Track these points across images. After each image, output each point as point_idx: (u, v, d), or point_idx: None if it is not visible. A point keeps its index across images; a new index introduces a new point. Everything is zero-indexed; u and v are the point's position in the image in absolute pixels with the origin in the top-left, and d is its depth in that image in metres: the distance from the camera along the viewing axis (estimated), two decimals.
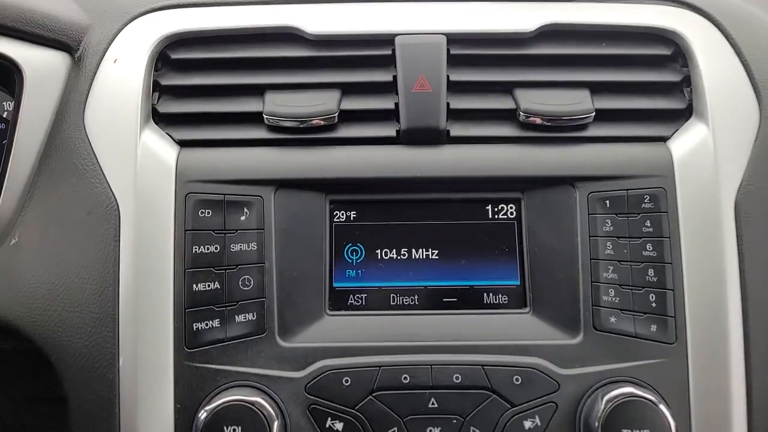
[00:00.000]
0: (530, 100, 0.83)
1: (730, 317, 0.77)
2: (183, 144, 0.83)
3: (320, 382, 0.75)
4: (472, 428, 0.74)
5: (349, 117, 0.83)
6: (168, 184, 0.79)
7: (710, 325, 0.77)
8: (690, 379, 0.76)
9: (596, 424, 0.72)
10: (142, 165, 0.80)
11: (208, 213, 0.78)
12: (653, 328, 0.77)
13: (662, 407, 0.72)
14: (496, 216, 0.83)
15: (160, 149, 0.81)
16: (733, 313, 0.77)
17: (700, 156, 0.81)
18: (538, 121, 0.82)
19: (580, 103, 0.83)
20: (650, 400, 0.72)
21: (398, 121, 0.82)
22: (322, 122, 0.82)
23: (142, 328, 0.75)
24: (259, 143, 0.82)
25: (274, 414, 0.73)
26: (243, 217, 0.79)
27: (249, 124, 0.83)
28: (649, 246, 0.78)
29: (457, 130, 0.83)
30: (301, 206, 0.81)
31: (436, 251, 0.82)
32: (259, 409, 0.72)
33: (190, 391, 0.75)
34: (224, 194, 0.79)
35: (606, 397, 0.73)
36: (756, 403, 0.75)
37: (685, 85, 0.85)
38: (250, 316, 0.77)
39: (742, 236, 0.78)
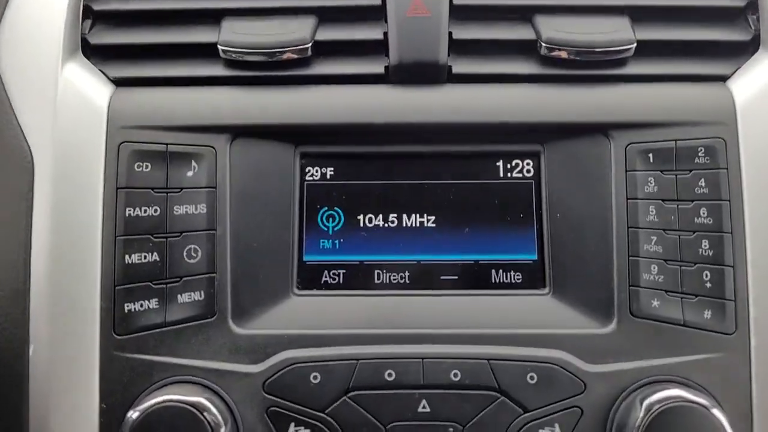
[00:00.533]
0: (554, 29, 0.72)
1: None
2: (119, 83, 0.73)
3: (282, 379, 0.66)
4: None
5: (326, 49, 0.73)
6: (97, 130, 0.69)
7: None
8: (753, 378, 0.66)
9: None
10: (63, 107, 0.70)
11: (147, 167, 0.69)
12: (707, 314, 0.67)
13: (717, 413, 0.63)
14: (510, 174, 0.73)
15: (89, 88, 0.71)
16: None
17: None
18: (564, 55, 0.71)
19: (617, 32, 0.72)
20: (703, 405, 0.63)
21: (387, 54, 0.72)
22: (294, 56, 0.71)
23: (60, 309, 0.66)
24: (214, 82, 0.72)
25: (221, 419, 0.63)
26: (190, 173, 0.69)
27: (201, 58, 0.73)
28: (703, 211, 0.68)
29: (460, 66, 0.72)
30: (264, 160, 0.71)
31: (433, 218, 0.72)
32: (202, 412, 0.62)
33: (119, 387, 0.66)
34: (167, 143, 0.69)
35: (646, 402, 0.63)
36: None
37: (751, 11, 0.75)
38: (196, 296, 0.67)
39: None
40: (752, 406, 0.66)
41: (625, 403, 0.64)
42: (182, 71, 0.73)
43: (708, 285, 0.67)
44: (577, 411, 0.65)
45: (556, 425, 0.64)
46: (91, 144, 0.68)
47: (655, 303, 0.67)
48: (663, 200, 0.69)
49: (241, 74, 0.72)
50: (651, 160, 0.69)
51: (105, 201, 0.67)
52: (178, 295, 0.67)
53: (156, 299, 0.66)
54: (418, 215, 0.71)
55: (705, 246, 0.67)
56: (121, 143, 0.68)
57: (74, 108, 0.69)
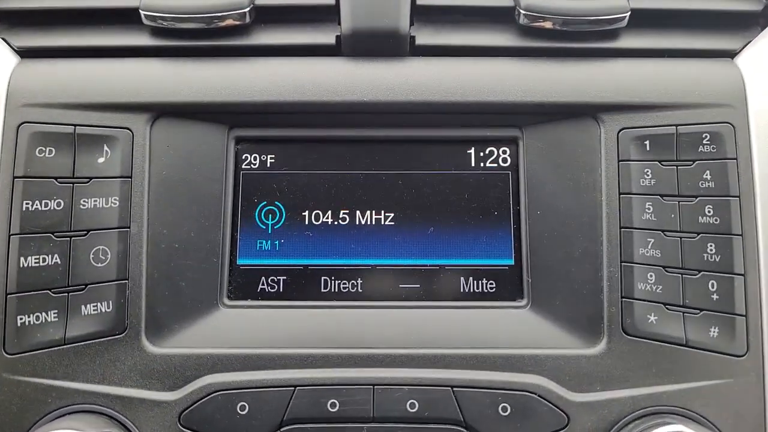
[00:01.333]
0: None
1: None
2: (24, 53, 0.66)
3: (203, 409, 0.57)
4: None
5: (267, 15, 0.67)
6: None
7: None
8: (767, 409, 0.59)
9: None
10: None
11: (50, 152, 0.61)
12: (713, 332, 0.59)
13: None
14: (483, 164, 0.65)
15: None
16: None
17: None
18: (547, 25, 0.65)
19: None
20: None
21: (339, 22, 0.66)
22: (233, 22, 0.64)
23: None
24: (135, 53, 0.65)
25: None
26: (101, 159, 0.61)
27: (122, 25, 0.67)
28: (708, 209, 0.61)
29: (425, 36, 0.66)
30: (191, 145, 0.63)
31: (392, 215, 0.64)
32: None
33: (7, 417, 0.58)
34: (75, 125, 0.62)
35: None
36: None
37: None
38: (104, 307, 0.59)
39: None
40: None
41: None
42: (97, 40, 0.66)
43: (714, 297, 0.59)
44: None
45: None
46: None
47: (652, 318, 0.59)
48: (662, 195, 0.61)
49: (168, 44, 0.65)
50: (648, 149, 0.62)
51: None
52: (82, 306, 0.59)
53: (55, 311, 0.59)
54: (373, 212, 0.63)
55: (711, 250, 0.59)
56: (21, 124, 0.61)
57: None
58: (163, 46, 0.64)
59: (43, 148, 0.60)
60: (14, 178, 0.60)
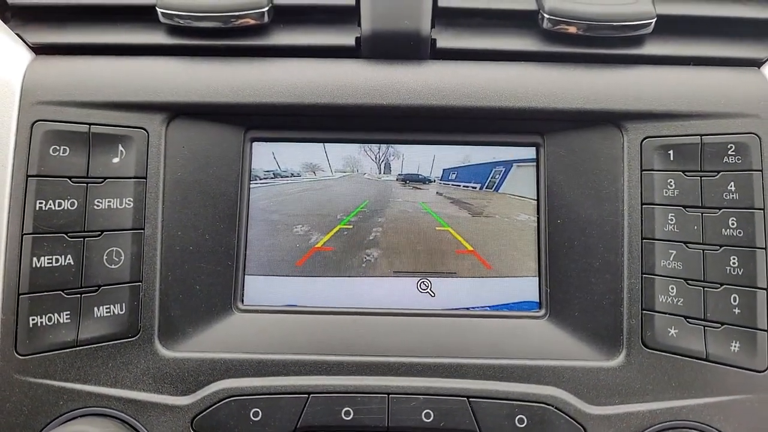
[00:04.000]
0: None
1: None
2: (39, 50, 0.65)
3: (217, 414, 0.57)
4: None
5: (286, 15, 0.65)
6: (7, 106, 0.60)
7: None
8: None
9: None
10: None
11: (65, 151, 0.60)
12: (735, 346, 0.58)
13: None
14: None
15: (0, 55, 0.63)
16: None
17: None
18: (571, 30, 0.63)
19: (634, 4, 0.63)
20: None
21: (359, 23, 0.64)
22: (251, 21, 0.62)
23: None
24: (152, 51, 0.64)
25: None
26: (116, 160, 0.60)
27: (138, 23, 0.65)
28: (732, 221, 0.59)
29: (446, 39, 0.65)
30: (207, 146, 0.62)
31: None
32: None
33: (18, 419, 0.57)
34: (90, 124, 0.60)
35: None
36: None
37: None
38: (117, 309, 0.58)
39: None
40: None
41: None
42: (113, 38, 0.65)
43: (737, 311, 0.58)
44: None
45: None
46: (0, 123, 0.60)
47: (673, 332, 0.58)
48: (685, 207, 0.59)
49: (185, 43, 0.64)
50: (671, 158, 0.60)
51: (12, 191, 0.59)
52: (95, 308, 0.58)
53: (68, 312, 0.57)
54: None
55: (734, 263, 0.58)
56: (35, 122, 0.60)
57: None
58: (180, 45, 0.62)
59: (57, 147, 0.59)
60: (28, 176, 0.58)
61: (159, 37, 0.63)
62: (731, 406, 0.56)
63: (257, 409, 0.55)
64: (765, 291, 0.57)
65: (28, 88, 0.60)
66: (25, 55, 0.63)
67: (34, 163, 0.59)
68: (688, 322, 0.57)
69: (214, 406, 0.55)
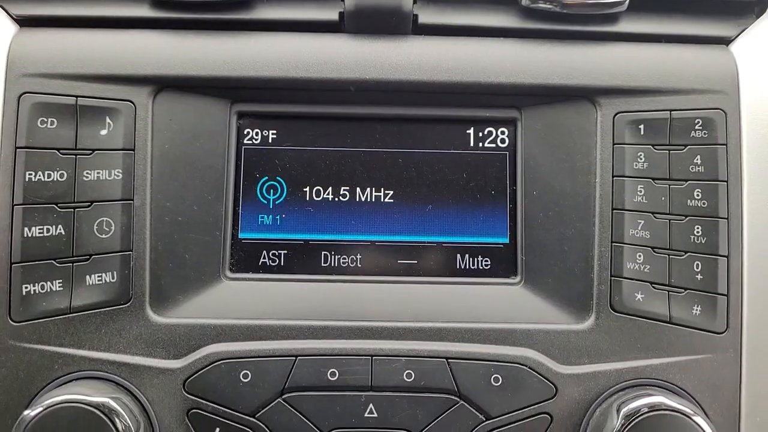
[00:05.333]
0: None
1: None
2: (23, 22, 0.66)
3: (207, 377, 0.60)
4: None
5: None
6: None
7: None
8: (742, 383, 0.63)
9: None
10: None
11: (53, 123, 0.61)
12: (696, 310, 0.63)
13: (701, 422, 0.58)
14: (482, 144, 0.67)
15: None
16: None
17: None
18: (548, 6, 0.66)
19: None
20: (685, 414, 0.58)
21: None
22: None
23: None
24: (137, 24, 0.66)
25: (131, 424, 0.56)
26: (104, 131, 0.62)
27: None
28: (697, 192, 0.63)
29: (428, 15, 0.67)
30: (193, 118, 0.64)
31: (391, 192, 0.66)
32: (108, 416, 0.55)
33: (15, 382, 0.59)
34: (77, 96, 0.62)
35: (624, 409, 0.58)
36: None
37: None
38: (108, 277, 0.61)
39: None
40: (740, 414, 0.62)
41: (600, 409, 0.60)
42: (98, 11, 0.66)
43: (698, 277, 0.62)
44: (546, 418, 0.60)
45: None
46: None
47: (639, 296, 0.62)
48: (653, 179, 0.63)
49: (171, 16, 0.65)
50: (642, 133, 0.64)
51: (2, 162, 0.60)
52: (87, 276, 0.60)
53: (60, 280, 0.59)
54: (373, 189, 0.65)
55: (698, 232, 0.62)
56: (22, 94, 0.61)
57: None
58: (165, 18, 0.64)
59: (45, 119, 0.61)
60: (16, 148, 0.60)
61: (144, 11, 0.65)
62: (692, 365, 0.61)
63: (246, 371, 0.58)
64: (726, 258, 0.61)
65: (13, 61, 0.61)
66: (10, 27, 0.64)
67: (22, 135, 0.60)
68: (653, 287, 0.61)
69: (204, 369, 0.58)
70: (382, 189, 0.64)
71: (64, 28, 0.64)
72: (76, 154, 0.60)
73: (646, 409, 0.57)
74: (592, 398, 0.60)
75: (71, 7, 0.64)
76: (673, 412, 0.57)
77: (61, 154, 0.60)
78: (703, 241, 0.61)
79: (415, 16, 0.65)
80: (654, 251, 0.61)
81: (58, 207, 0.59)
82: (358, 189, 0.64)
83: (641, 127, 0.63)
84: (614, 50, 0.65)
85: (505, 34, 0.66)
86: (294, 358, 0.59)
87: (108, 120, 0.61)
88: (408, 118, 0.65)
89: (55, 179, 0.60)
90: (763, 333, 0.62)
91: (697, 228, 0.61)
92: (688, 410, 0.58)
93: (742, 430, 0.62)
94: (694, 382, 0.61)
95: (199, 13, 0.64)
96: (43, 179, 0.59)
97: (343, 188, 0.64)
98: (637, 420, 0.57)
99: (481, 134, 0.65)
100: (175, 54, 0.62)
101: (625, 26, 0.66)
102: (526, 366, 0.60)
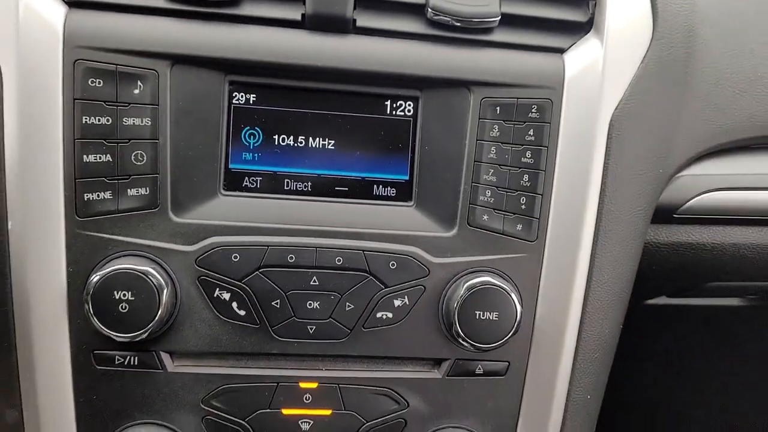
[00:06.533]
0: None
1: (586, 223, 0.85)
2: (71, 4, 0.76)
3: (210, 257, 0.79)
4: (347, 303, 0.81)
5: None
6: (54, 47, 0.75)
7: (567, 230, 0.85)
8: (542, 274, 0.85)
9: (455, 305, 0.80)
10: (25, 25, 0.75)
11: (99, 83, 0.76)
12: (519, 227, 0.84)
13: (513, 296, 0.81)
14: (394, 112, 0.84)
15: (44, 9, 0.76)
16: (588, 220, 0.85)
17: (590, 72, 0.84)
18: (446, 19, 0.81)
19: (488, 5, 0.82)
20: (504, 289, 0.81)
21: (305, 3, 0.79)
22: None
23: (33, 196, 0.76)
24: (157, 12, 0.77)
25: (163, 282, 0.76)
26: (137, 91, 0.77)
27: None
28: (528, 153, 0.83)
29: (364, 20, 0.80)
30: (198, 85, 0.79)
31: (333, 141, 0.83)
32: (149, 278, 0.75)
33: (82, 257, 0.77)
34: (116, 64, 0.76)
35: (467, 284, 0.81)
36: (591, 305, 0.87)
37: None
38: (142, 191, 0.78)
39: (610, 151, 0.84)
40: (539, 289, 0.85)
41: (454, 284, 0.81)
42: (129, 0, 0.77)
43: (523, 207, 0.82)
44: (421, 288, 0.81)
45: (406, 297, 0.81)
46: (50, 59, 0.75)
47: (486, 217, 0.83)
48: (502, 143, 0.82)
49: (181, 8, 0.77)
50: (497, 112, 0.82)
51: (65, 110, 0.74)
52: (128, 190, 0.76)
53: (109, 192, 0.76)
54: (321, 138, 0.82)
55: (525, 179, 0.82)
56: (77, 60, 0.74)
57: (34, 26, 0.74)
58: (178, 9, 0.76)
59: (94, 80, 0.74)
60: (74, 99, 0.74)
61: (161, 2, 0.76)
62: (515, 260, 0.83)
63: (236, 254, 0.77)
64: (540, 196, 0.82)
65: (68, 36, 0.74)
66: (62, 8, 0.75)
67: (78, 90, 0.74)
68: (494, 212, 0.82)
69: (208, 252, 0.77)
70: (327, 139, 0.82)
71: (103, 11, 0.76)
72: (117, 106, 0.75)
73: (480, 285, 0.80)
74: (450, 277, 0.81)
75: None
76: (496, 287, 0.80)
77: (106, 105, 0.75)
78: (527, 185, 0.82)
79: (354, 20, 0.78)
80: (498, 189, 0.82)
81: (106, 142, 0.75)
82: (311, 138, 0.82)
83: (497, 108, 0.81)
84: (485, 54, 0.81)
85: (414, 37, 0.80)
86: (267, 247, 0.78)
87: (139, 83, 0.75)
88: (346, 92, 0.81)
89: (103, 123, 0.75)
90: (558, 244, 0.84)
91: (525, 176, 0.82)
92: (506, 287, 0.80)
93: (539, 299, 0.85)
94: (513, 271, 0.83)
95: (200, 7, 0.77)
96: (94, 122, 0.74)
97: (300, 137, 0.82)
98: (474, 290, 0.79)
99: (394, 105, 0.82)
100: (185, 37, 0.76)
101: (497, 37, 0.81)
102: (411, 257, 0.80)
